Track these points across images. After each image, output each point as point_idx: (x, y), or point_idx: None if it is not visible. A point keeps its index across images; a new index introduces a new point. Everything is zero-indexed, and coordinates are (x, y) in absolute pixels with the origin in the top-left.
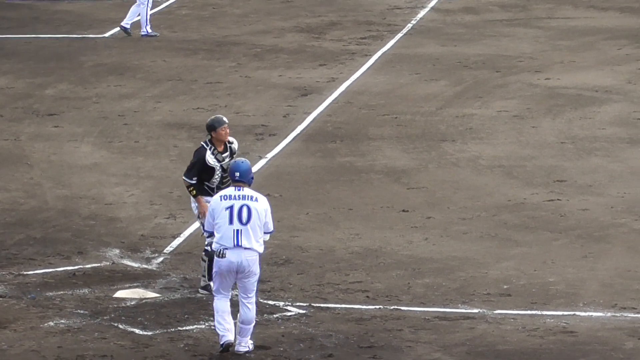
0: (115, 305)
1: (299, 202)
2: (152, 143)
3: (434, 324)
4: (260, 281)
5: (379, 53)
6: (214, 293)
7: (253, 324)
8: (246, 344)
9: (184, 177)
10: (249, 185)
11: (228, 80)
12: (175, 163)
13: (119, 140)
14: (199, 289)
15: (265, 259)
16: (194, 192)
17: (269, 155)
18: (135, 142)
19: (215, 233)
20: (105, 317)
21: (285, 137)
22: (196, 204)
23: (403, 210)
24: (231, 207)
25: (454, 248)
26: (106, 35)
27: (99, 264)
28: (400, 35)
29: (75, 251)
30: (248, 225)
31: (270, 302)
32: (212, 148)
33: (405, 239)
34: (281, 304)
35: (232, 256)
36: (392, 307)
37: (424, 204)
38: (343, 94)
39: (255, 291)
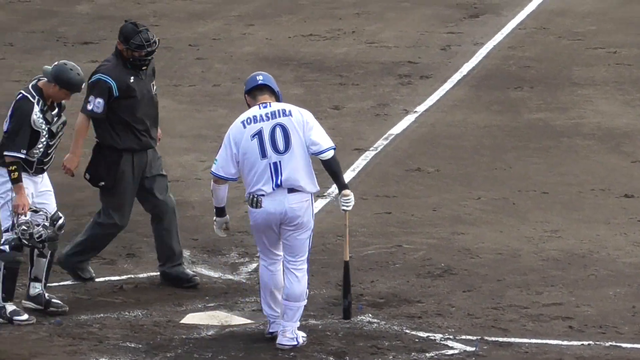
0: (184, 337)
1: (466, 181)
2: (239, 88)
3: None
4: (405, 301)
5: None
6: (258, 249)
7: (303, 302)
8: (293, 335)
9: (6, 153)
10: (278, 100)
11: None
12: None
13: (189, 84)
14: None
15: (414, 268)
16: (17, 174)
17: (420, 108)
18: (215, 87)
19: (243, 177)
20: (168, 355)
21: (445, 82)
22: (10, 193)
23: (626, 195)
24: (259, 133)
25: None
26: None
27: (158, 273)
28: None
29: (123, 252)
30: (288, 153)
31: (422, 334)
32: (41, 102)
33: (628, 239)
34: (438, 336)
35: (270, 204)
36: (608, 344)
37: None
38: (533, 15)
39: (306, 253)
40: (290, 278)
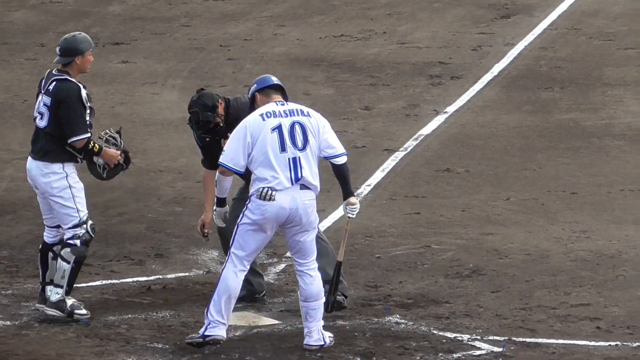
0: None
1: (496, 182)
2: None
3: None
4: (433, 301)
5: None
6: (232, 253)
7: (322, 299)
8: (319, 334)
9: (78, 137)
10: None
11: None
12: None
13: (220, 84)
14: (54, 311)
15: (442, 269)
16: (97, 145)
17: (450, 109)
18: (246, 87)
19: (254, 171)
20: (196, 355)
21: (476, 82)
22: (69, 190)
23: None
24: (279, 127)
25: None
26: None
27: (187, 274)
28: None
29: (151, 253)
30: (307, 151)
31: (449, 335)
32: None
33: None
34: (466, 337)
35: (284, 199)
36: (635, 345)
37: None
38: (565, 16)
39: (315, 252)
40: (305, 280)
